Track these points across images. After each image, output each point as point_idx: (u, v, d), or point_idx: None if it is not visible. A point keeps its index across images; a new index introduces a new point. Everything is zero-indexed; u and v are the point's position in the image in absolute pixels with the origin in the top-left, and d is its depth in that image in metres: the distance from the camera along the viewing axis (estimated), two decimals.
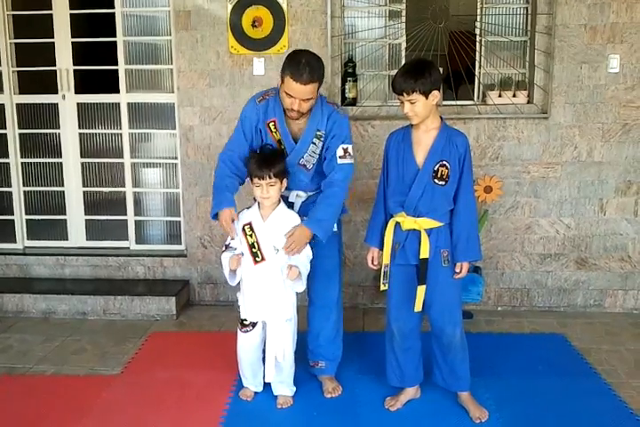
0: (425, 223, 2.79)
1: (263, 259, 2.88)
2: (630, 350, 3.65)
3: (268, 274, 2.89)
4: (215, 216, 2.94)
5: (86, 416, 2.96)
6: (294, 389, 3.11)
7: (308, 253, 2.92)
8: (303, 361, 3.24)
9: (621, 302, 4.26)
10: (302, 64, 2.73)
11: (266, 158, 2.87)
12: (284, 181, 2.91)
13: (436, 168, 2.75)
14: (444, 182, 2.76)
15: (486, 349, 3.56)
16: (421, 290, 2.80)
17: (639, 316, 4.20)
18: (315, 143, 2.94)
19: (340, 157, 2.94)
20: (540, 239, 4.23)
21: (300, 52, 2.85)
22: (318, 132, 2.93)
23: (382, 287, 2.91)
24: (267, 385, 3.11)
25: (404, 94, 2.69)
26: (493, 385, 3.16)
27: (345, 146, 2.95)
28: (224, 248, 2.97)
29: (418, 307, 2.82)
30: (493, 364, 3.38)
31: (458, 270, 2.83)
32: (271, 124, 2.94)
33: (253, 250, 2.87)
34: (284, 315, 2.94)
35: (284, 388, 3.08)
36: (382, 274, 2.89)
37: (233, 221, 2.87)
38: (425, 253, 2.78)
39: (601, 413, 2.97)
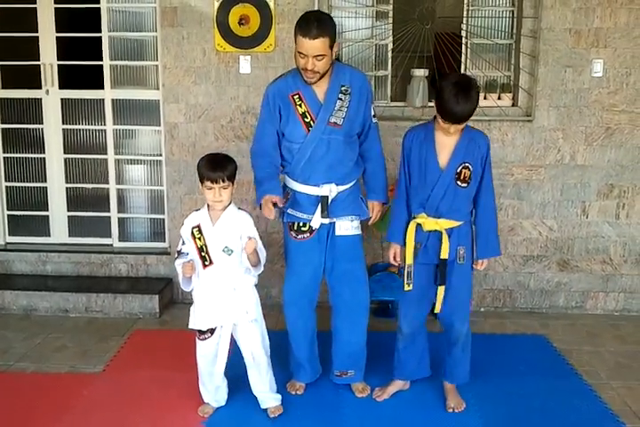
0: (446, 224, 2.83)
1: (211, 262, 2.79)
2: (611, 352, 3.69)
3: (218, 278, 2.80)
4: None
5: (67, 414, 2.94)
6: (279, 396, 3.01)
7: (262, 251, 2.87)
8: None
9: (602, 303, 4.31)
10: (311, 20, 2.76)
11: (217, 160, 2.80)
12: (235, 184, 2.84)
13: (458, 170, 2.77)
14: (466, 184, 2.79)
15: None
16: (442, 290, 2.87)
17: (620, 317, 4.25)
18: (341, 99, 2.91)
19: (373, 117, 3.06)
20: (522, 241, 4.27)
21: (310, 12, 2.92)
22: (343, 87, 2.92)
23: (407, 287, 2.93)
24: (247, 386, 3.01)
25: (453, 124, 2.70)
26: (475, 385, 3.18)
27: (373, 105, 3.08)
28: (177, 254, 2.88)
29: (438, 307, 2.89)
30: (475, 364, 3.37)
31: (478, 267, 2.92)
32: (295, 97, 2.91)
33: (202, 253, 2.79)
34: (246, 316, 2.85)
35: (270, 400, 2.98)
36: (406, 274, 2.91)
37: (275, 205, 2.90)
38: (445, 253, 2.82)
39: (581, 413, 3.00)
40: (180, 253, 2.87)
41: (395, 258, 3.00)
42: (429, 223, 2.84)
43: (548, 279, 4.31)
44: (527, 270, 4.31)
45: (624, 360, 3.59)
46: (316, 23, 2.74)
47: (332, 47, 2.80)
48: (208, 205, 2.84)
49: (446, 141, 2.80)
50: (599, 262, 4.27)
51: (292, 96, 2.92)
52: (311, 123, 2.90)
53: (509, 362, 3.52)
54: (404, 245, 2.93)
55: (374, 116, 3.06)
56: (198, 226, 2.81)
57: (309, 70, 2.80)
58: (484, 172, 2.83)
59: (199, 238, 2.79)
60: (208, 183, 2.75)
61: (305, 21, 2.78)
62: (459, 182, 2.78)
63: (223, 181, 2.74)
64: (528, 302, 4.35)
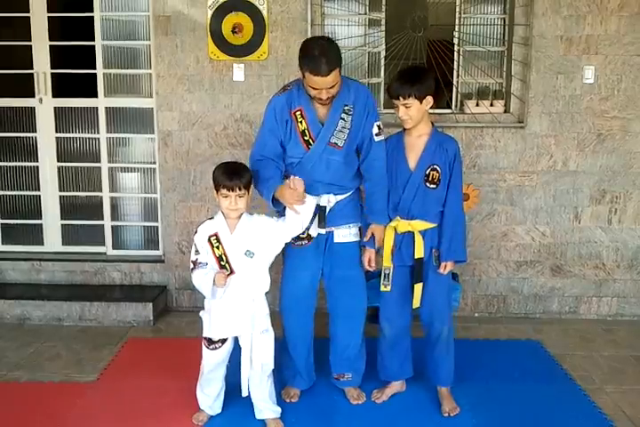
0: (418, 225, 2.91)
1: (232, 272, 2.75)
2: (604, 357, 3.71)
3: (239, 287, 2.76)
4: (273, 202, 2.85)
5: (61, 424, 2.92)
6: (279, 409, 2.96)
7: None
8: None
9: (596, 308, 4.33)
10: (317, 57, 2.66)
11: (234, 168, 2.78)
12: (251, 192, 2.80)
13: (427, 172, 2.87)
14: (435, 186, 2.88)
15: (463, 355, 3.54)
16: (418, 288, 2.93)
17: (613, 322, 4.26)
18: (344, 119, 2.87)
19: (375, 135, 2.94)
20: (516, 247, 4.28)
21: (311, 43, 2.77)
22: (346, 107, 2.88)
23: (383, 288, 3.00)
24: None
25: (400, 98, 2.81)
26: (470, 390, 3.19)
27: (378, 122, 2.95)
28: (192, 265, 2.80)
29: (416, 303, 2.95)
30: (470, 369, 3.40)
31: (441, 270, 2.92)
32: (297, 113, 2.87)
33: (222, 263, 2.75)
34: (258, 327, 2.82)
35: (268, 411, 2.94)
36: (383, 276, 2.98)
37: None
38: (420, 253, 2.90)
39: (575, 418, 3.01)
40: (196, 263, 2.79)
41: (369, 263, 3.03)
42: (403, 225, 2.93)
43: (541, 285, 4.33)
44: (520, 276, 4.32)
45: (618, 365, 3.60)
46: (324, 59, 2.65)
47: (340, 72, 2.77)
48: (223, 213, 2.80)
49: (415, 145, 2.91)
50: (592, 267, 4.29)
51: (295, 113, 2.88)
52: (310, 141, 2.88)
53: (503, 367, 3.52)
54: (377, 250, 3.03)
55: (378, 134, 2.93)
56: (215, 234, 2.76)
57: (324, 98, 2.79)
58: (452, 175, 2.90)
59: (217, 247, 2.75)
60: (224, 191, 2.72)
61: (312, 60, 2.68)
62: (427, 184, 2.88)
63: (240, 190, 2.71)
64: (522, 308, 4.36)
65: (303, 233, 2.97)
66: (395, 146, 2.96)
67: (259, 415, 2.96)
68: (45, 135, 4.52)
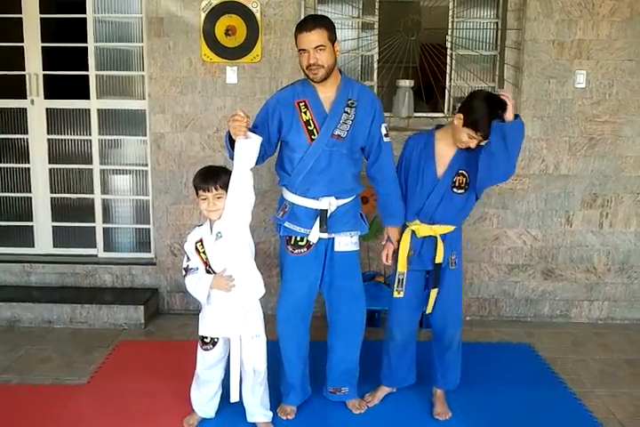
0: (440, 229, 2.90)
1: (213, 271, 2.78)
2: (595, 360, 3.72)
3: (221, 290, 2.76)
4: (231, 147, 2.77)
5: None
6: (270, 414, 2.97)
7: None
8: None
9: (587, 312, 4.35)
10: (306, 18, 2.93)
11: (210, 170, 2.79)
12: None
13: (454, 179, 2.85)
14: (462, 191, 2.87)
15: None
16: (434, 293, 2.93)
17: (604, 326, 4.28)
18: (347, 112, 2.86)
19: (385, 136, 2.95)
20: (507, 250, 4.30)
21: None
22: (349, 101, 2.87)
23: (396, 294, 2.98)
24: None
25: (477, 134, 2.73)
26: (461, 393, 3.19)
27: (385, 124, 2.97)
28: (184, 272, 2.84)
29: (429, 309, 2.96)
30: (461, 372, 3.40)
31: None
32: (301, 104, 2.87)
33: (207, 268, 2.79)
34: (249, 331, 2.80)
35: (259, 415, 2.94)
36: (397, 281, 2.96)
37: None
38: (440, 258, 2.89)
39: (566, 421, 3.02)
40: (187, 269, 2.83)
41: (386, 259, 3.03)
42: (424, 229, 2.91)
43: (532, 288, 4.34)
44: (512, 279, 4.33)
45: (608, 368, 3.62)
46: (311, 18, 2.88)
47: (332, 41, 2.78)
48: (210, 220, 2.80)
49: (446, 152, 2.87)
50: (583, 271, 4.31)
51: (298, 103, 2.87)
52: (314, 131, 2.85)
53: (495, 371, 3.53)
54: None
55: (386, 135, 2.95)
56: (201, 240, 2.80)
57: (312, 64, 2.76)
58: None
59: (204, 252, 2.78)
60: (201, 192, 2.73)
61: (301, 21, 2.89)
62: (454, 189, 2.86)
63: (216, 190, 2.71)
64: (513, 311, 4.37)
65: (302, 240, 2.94)
66: (422, 148, 2.90)
67: (250, 419, 2.96)
68: (37, 137, 4.50)
